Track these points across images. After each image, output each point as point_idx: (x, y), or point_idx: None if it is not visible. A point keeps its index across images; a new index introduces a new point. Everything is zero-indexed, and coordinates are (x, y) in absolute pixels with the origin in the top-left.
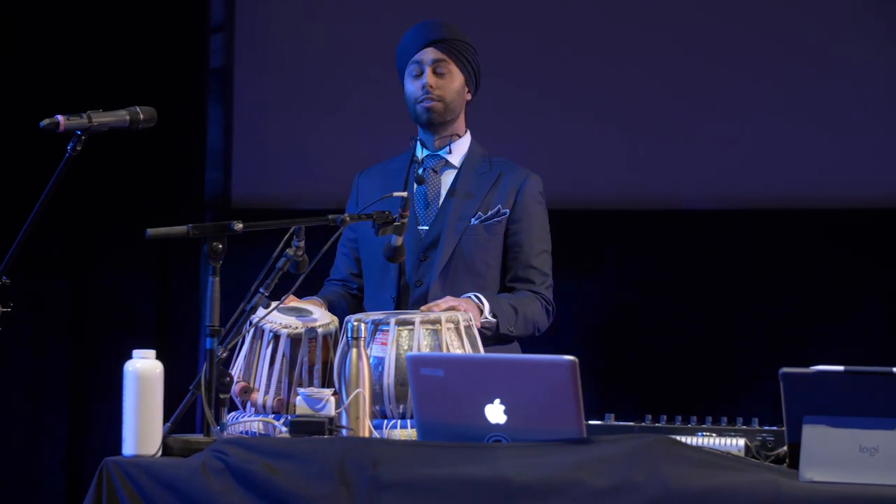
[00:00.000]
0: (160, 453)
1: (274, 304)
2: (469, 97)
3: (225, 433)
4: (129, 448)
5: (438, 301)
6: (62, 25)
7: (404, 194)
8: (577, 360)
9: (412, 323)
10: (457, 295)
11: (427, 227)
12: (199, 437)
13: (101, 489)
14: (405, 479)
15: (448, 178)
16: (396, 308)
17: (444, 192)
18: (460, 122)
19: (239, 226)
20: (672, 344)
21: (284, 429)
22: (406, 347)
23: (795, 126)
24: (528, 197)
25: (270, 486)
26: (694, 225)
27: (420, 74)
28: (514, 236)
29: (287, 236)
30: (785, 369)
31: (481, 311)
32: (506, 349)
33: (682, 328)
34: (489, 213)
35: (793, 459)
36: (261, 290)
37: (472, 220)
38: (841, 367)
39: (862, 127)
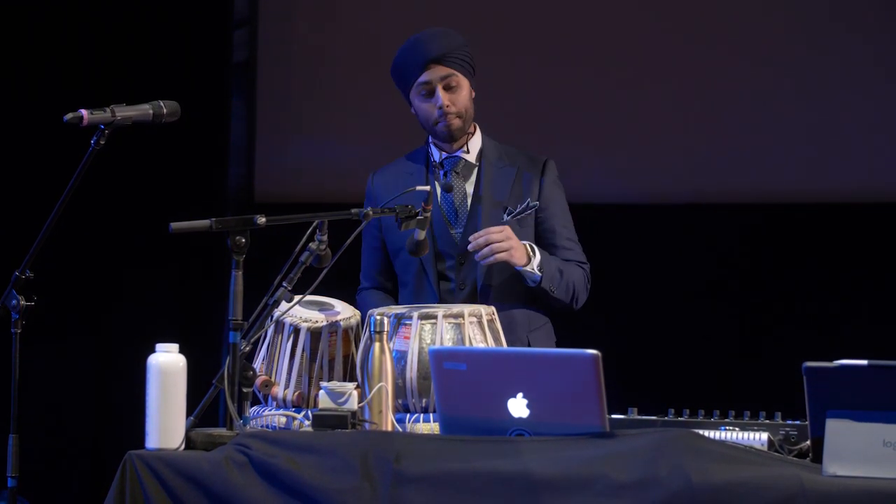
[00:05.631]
0: (183, 447)
1: (297, 297)
2: (473, 95)
3: (248, 427)
4: (152, 441)
5: (497, 227)
6: (86, 20)
7: (427, 188)
8: (600, 354)
9: (435, 317)
10: (504, 291)
11: (461, 231)
12: (221, 430)
13: (125, 482)
14: (428, 472)
15: (470, 178)
16: None
17: (469, 192)
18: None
19: (262, 220)
20: (695, 338)
21: (307, 422)
22: (429, 341)
23: (824, 120)
24: (550, 184)
25: (293, 479)
26: (718, 218)
27: (430, 94)
28: (545, 223)
29: (310, 230)
30: (808, 363)
31: (529, 260)
32: (539, 334)
33: (705, 322)
34: (518, 207)
35: (816, 454)
36: (284, 284)
37: (504, 216)
38: (864, 362)
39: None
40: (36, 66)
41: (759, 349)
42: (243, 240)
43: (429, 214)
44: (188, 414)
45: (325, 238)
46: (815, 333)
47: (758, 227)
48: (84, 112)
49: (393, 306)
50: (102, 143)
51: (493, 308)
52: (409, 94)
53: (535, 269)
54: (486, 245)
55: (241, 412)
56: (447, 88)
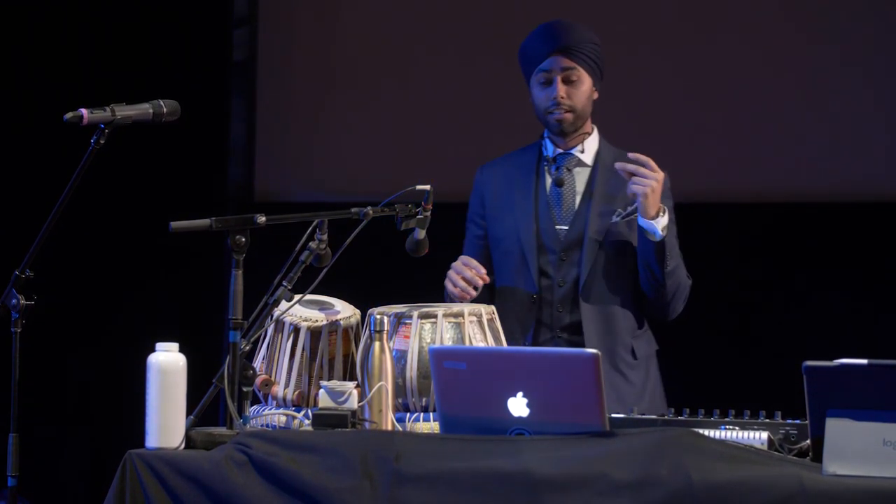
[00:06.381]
0: (183, 446)
1: (297, 297)
2: (596, 96)
3: (248, 426)
4: (152, 441)
5: (657, 168)
6: (86, 20)
7: (427, 187)
8: (599, 353)
9: (435, 316)
10: (607, 291)
11: (567, 227)
12: (222, 430)
13: (125, 481)
14: (428, 472)
15: (582, 177)
16: (539, 308)
17: (579, 190)
18: (588, 121)
19: (262, 219)
20: (695, 337)
21: (307, 422)
22: (429, 340)
23: (824, 120)
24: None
25: (293, 479)
26: (718, 218)
27: (549, 83)
28: None
29: (310, 229)
30: (808, 362)
31: (657, 217)
32: (642, 341)
33: (705, 322)
34: (628, 209)
35: (816, 453)
36: (284, 283)
37: (614, 217)
38: (864, 361)
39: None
40: (36, 66)
41: (760, 349)
42: (243, 239)
43: (428, 214)
44: (188, 413)
45: (325, 237)
46: (815, 333)
47: (758, 227)
48: (84, 111)
49: (393, 305)
50: (102, 142)
51: (493, 307)
52: (529, 80)
53: (660, 227)
54: (635, 174)
55: (241, 411)
56: (566, 81)
